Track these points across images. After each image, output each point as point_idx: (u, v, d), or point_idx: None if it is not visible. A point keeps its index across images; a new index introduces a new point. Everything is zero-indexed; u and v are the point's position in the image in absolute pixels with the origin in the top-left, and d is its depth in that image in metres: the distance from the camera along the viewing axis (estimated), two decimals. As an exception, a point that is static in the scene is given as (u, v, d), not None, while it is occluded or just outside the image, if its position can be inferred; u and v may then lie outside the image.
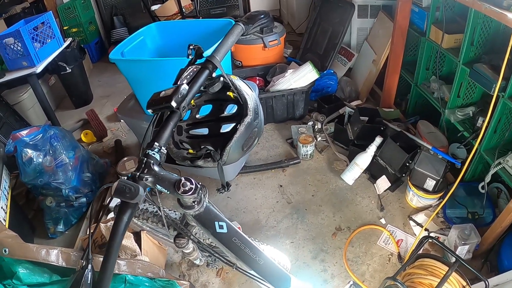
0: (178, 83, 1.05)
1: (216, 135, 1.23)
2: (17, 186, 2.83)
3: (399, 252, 2.14)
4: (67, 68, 3.64)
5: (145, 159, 0.93)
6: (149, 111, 1.01)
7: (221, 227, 1.04)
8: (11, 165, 2.57)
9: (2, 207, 2.25)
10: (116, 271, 1.68)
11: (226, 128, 1.22)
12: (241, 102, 1.10)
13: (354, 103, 3.25)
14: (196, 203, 1.04)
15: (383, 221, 2.33)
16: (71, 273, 1.72)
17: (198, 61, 1.14)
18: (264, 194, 2.64)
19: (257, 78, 3.50)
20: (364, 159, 2.53)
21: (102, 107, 4.25)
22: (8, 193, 2.43)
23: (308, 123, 3.13)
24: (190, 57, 1.14)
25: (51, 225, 2.61)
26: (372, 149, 2.52)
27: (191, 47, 1.12)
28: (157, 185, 0.94)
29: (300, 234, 2.32)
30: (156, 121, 1.08)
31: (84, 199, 2.67)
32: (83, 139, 3.57)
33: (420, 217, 2.29)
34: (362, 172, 2.58)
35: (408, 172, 2.42)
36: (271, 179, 2.76)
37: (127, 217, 0.87)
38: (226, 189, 1.11)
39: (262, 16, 3.59)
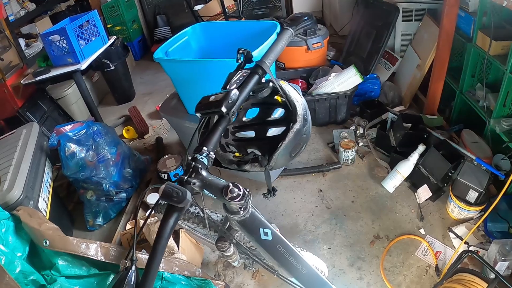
0: (228, 87, 1.04)
1: (262, 138, 1.22)
2: (58, 178, 2.91)
3: (437, 264, 2.09)
4: (111, 66, 3.70)
5: (193, 163, 0.93)
6: (198, 115, 1.01)
7: (266, 234, 1.03)
8: (53, 157, 2.64)
9: (43, 199, 2.31)
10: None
11: (273, 132, 1.22)
12: (290, 108, 1.09)
13: (397, 109, 3.19)
14: (242, 209, 1.03)
15: (422, 231, 2.28)
16: (109, 267, 1.76)
17: (247, 65, 1.13)
18: (304, 198, 2.62)
19: (300, 80, 3.48)
20: (406, 167, 2.47)
21: (144, 104, 4.32)
22: (50, 185, 2.49)
23: (350, 128, 3.09)
24: (239, 61, 1.13)
25: (90, 218, 2.67)
26: (414, 157, 2.47)
27: (240, 51, 1.11)
28: (204, 190, 0.94)
29: (338, 240, 2.30)
30: (203, 125, 1.07)
31: (124, 194, 2.73)
32: (125, 135, 3.64)
33: (460, 229, 2.22)
34: (403, 180, 2.53)
35: (450, 182, 2.36)
36: (311, 183, 2.74)
37: (173, 221, 0.87)
38: (272, 194, 1.09)
39: (306, 18, 3.56)
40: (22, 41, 3.85)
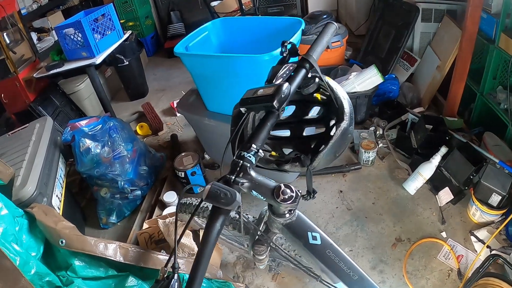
0: (274, 81, 0.99)
1: (298, 137, 1.17)
2: (70, 174, 2.87)
3: (459, 268, 2.05)
4: (125, 61, 3.67)
5: (241, 162, 0.87)
6: (243, 109, 0.96)
7: (314, 238, 0.98)
8: (66, 153, 2.60)
9: (57, 195, 2.27)
10: (171, 269, 1.65)
11: (309, 131, 1.17)
12: (335, 106, 1.03)
13: (416, 110, 3.14)
14: (290, 211, 0.98)
15: (444, 234, 2.24)
16: (128, 268, 1.71)
17: (292, 59, 1.08)
18: (324, 199, 2.58)
19: (319, 79, 3.42)
20: (428, 169, 2.43)
21: (157, 100, 4.30)
22: (63, 182, 2.46)
23: (370, 128, 3.04)
24: (284, 54, 1.07)
25: (104, 215, 2.63)
26: (436, 159, 2.43)
27: (285, 43, 1.06)
28: (252, 190, 0.89)
29: (359, 242, 2.26)
30: (244, 121, 1.02)
31: (139, 192, 2.68)
32: (139, 131, 3.62)
33: (482, 233, 2.18)
34: (424, 183, 2.49)
35: (471, 185, 2.31)
36: (331, 184, 2.70)
37: (220, 224, 0.82)
38: (312, 196, 1.04)
39: (325, 16, 3.53)
40: (34, 35, 3.82)
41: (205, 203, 1.52)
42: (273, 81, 1.00)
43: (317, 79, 1.03)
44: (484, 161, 2.31)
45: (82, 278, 1.63)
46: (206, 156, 3.12)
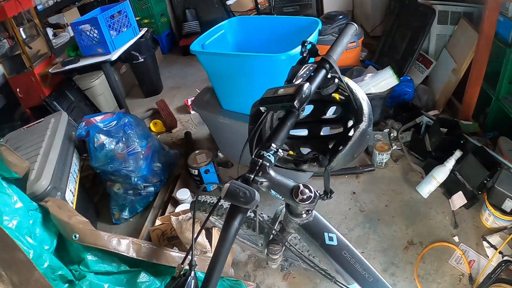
0: (294, 81, 0.99)
1: (316, 137, 1.17)
2: (84, 169, 2.88)
3: (470, 273, 2.03)
4: (140, 58, 3.69)
5: (260, 161, 0.88)
6: (262, 109, 0.96)
7: (331, 238, 0.98)
8: (80, 148, 2.62)
9: (71, 190, 2.29)
10: (187, 267, 1.66)
11: (326, 131, 1.17)
12: (353, 106, 1.03)
13: (431, 113, 3.12)
14: (307, 212, 0.98)
15: (456, 239, 2.22)
16: (140, 264, 1.72)
17: (311, 59, 1.08)
18: (337, 200, 2.58)
19: (334, 80, 3.41)
20: (442, 173, 2.42)
21: (172, 98, 4.32)
22: (77, 176, 2.48)
23: (384, 130, 3.02)
24: (304, 54, 1.07)
25: (117, 211, 2.65)
26: (451, 163, 2.41)
27: (305, 43, 1.06)
28: (271, 190, 0.89)
29: (371, 244, 2.25)
30: (263, 120, 1.02)
31: (152, 189, 2.70)
32: (152, 128, 3.64)
33: (495, 239, 2.16)
34: (438, 186, 2.47)
35: (485, 190, 2.29)
36: (344, 185, 2.69)
37: (238, 223, 0.82)
38: (329, 196, 1.04)
39: (341, 16, 3.52)
40: (49, 31, 3.86)
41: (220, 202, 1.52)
42: (293, 81, 1.00)
43: (336, 80, 1.03)
44: (498, 166, 2.28)
45: (95, 273, 1.65)
46: (220, 154, 3.13)
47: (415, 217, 2.38)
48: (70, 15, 4.25)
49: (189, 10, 5.58)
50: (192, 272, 0.92)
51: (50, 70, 3.24)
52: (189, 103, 3.84)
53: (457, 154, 2.41)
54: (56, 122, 2.50)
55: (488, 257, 2.09)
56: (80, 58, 3.23)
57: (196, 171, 2.66)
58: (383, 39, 3.80)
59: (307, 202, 0.88)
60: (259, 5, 4.38)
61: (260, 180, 0.86)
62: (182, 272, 0.95)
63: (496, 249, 2.09)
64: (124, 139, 2.55)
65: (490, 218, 2.21)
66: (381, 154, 2.70)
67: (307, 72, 1.01)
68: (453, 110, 3.21)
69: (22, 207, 1.62)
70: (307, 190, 0.88)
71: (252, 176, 0.86)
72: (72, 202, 2.26)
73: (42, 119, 2.58)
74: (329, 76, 1.02)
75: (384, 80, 2.93)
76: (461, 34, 3.13)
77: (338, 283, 1.04)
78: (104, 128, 2.50)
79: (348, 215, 2.46)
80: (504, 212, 2.14)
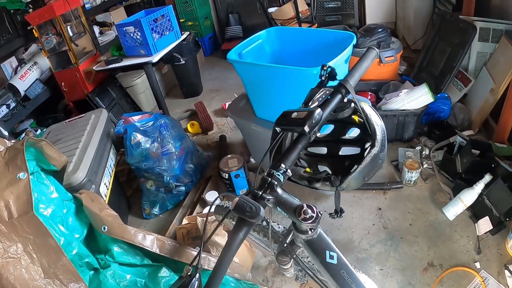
0: (310, 104, 1.04)
1: (334, 156, 1.21)
2: (120, 164, 2.99)
3: (487, 302, 1.99)
4: (181, 60, 3.77)
5: (269, 179, 0.93)
6: (278, 129, 1.01)
7: (331, 257, 1.02)
8: (118, 143, 2.74)
9: (105, 183, 2.39)
10: (206, 267, 1.72)
11: (346, 151, 1.20)
12: (368, 130, 1.07)
13: (465, 133, 3.06)
14: (311, 229, 1.03)
15: (477, 265, 2.17)
16: (162, 260, 1.79)
17: (330, 83, 1.12)
18: (361, 214, 2.58)
19: (369, 93, 3.42)
20: (470, 196, 2.37)
21: (210, 100, 4.38)
22: (112, 171, 2.57)
23: (416, 148, 2.99)
24: (323, 78, 1.12)
25: (147, 206, 2.75)
26: (479, 187, 2.36)
27: (324, 68, 1.10)
28: (277, 207, 0.94)
29: (391, 262, 2.24)
30: (279, 140, 1.07)
31: (183, 188, 2.79)
32: (189, 129, 3.73)
33: (517, 268, 2.11)
34: (465, 209, 2.42)
35: (512, 217, 2.24)
36: (370, 200, 2.68)
37: (243, 234, 0.89)
38: (339, 215, 1.08)
39: (380, 30, 3.51)
40: (96, 29, 4.02)
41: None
42: (309, 104, 1.04)
43: (352, 104, 1.07)
44: (528, 194, 2.23)
45: (119, 263, 1.74)
46: (252, 160, 3.17)
47: (438, 239, 2.35)
48: (116, 14, 4.40)
49: (232, 15, 5.64)
50: (197, 274, 0.97)
51: (94, 68, 3.38)
52: (227, 107, 3.88)
53: (487, 178, 2.35)
54: (96, 118, 2.60)
55: (508, 287, 2.04)
56: (123, 58, 3.35)
57: (227, 175, 2.71)
58: (423, 54, 3.74)
59: (309, 222, 0.92)
60: (300, 14, 4.40)
61: (267, 197, 0.92)
62: (189, 273, 0.99)
63: (517, 279, 2.05)
64: (159, 139, 2.64)
65: (515, 246, 2.16)
66: (411, 172, 2.67)
67: (323, 96, 1.05)
68: (489, 131, 3.13)
69: (58, 197, 1.73)
70: (309, 210, 0.92)
71: (260, 193, 0.92)
72: (105, 195, 2.36)
73: (83, 114, 2.69)
74: (345, 100, 1.07)
75: (419, 97, 2.91)
76: (501, 53, 3.05)
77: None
78: (141, 128, 2.60)
79: (371, 231, 2.45)
80: (530, 242, 2.09)
